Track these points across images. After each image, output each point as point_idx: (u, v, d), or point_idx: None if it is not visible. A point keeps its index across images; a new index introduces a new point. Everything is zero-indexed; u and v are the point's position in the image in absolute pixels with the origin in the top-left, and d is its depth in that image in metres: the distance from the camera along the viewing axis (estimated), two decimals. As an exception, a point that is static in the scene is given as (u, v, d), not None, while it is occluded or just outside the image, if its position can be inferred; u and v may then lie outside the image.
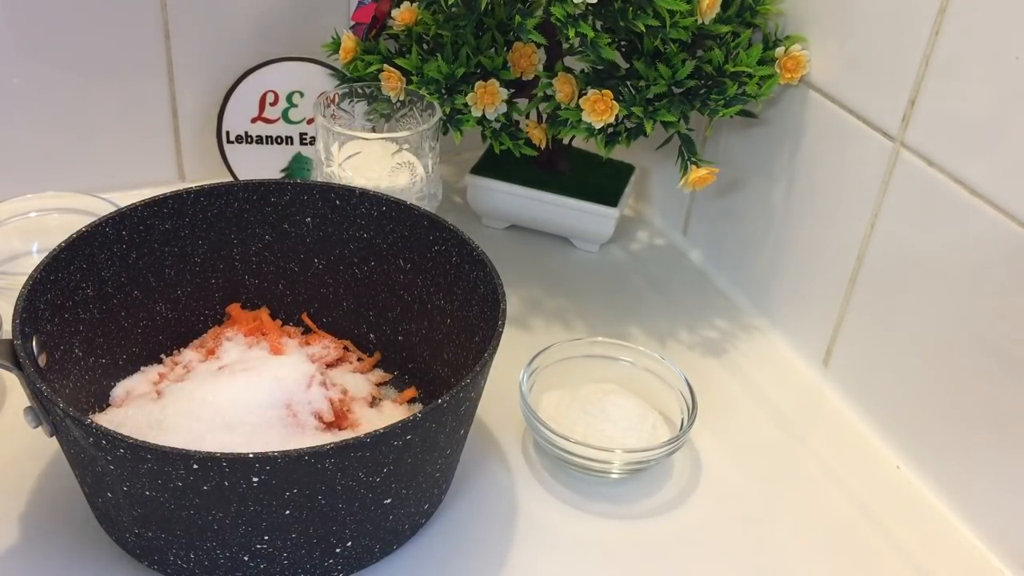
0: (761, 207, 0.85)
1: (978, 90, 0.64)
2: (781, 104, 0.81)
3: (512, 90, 0.81)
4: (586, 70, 0.79)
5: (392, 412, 0.69)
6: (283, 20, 0.92)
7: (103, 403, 0.68)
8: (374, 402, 0.71)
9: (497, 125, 0.82)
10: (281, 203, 0.72)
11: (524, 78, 0.82)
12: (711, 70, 0.77)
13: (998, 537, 0.66)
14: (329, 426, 0.65)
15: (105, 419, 0.63)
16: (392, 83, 0.80)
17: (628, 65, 0.78)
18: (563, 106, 0.79)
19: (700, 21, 0.74)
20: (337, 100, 0.81)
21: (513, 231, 0.96)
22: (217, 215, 0.71)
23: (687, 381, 0.71)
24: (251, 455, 0.50)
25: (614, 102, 0.76)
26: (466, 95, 0.80)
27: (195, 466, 0.50)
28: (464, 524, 0.65)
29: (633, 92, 0.76)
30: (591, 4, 0.70)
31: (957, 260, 0.67)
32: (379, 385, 0.73)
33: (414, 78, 0.80)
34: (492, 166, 0.93)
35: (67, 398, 0.63)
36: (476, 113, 0.80)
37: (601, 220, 0.91)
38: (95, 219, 0.66)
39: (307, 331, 0.76)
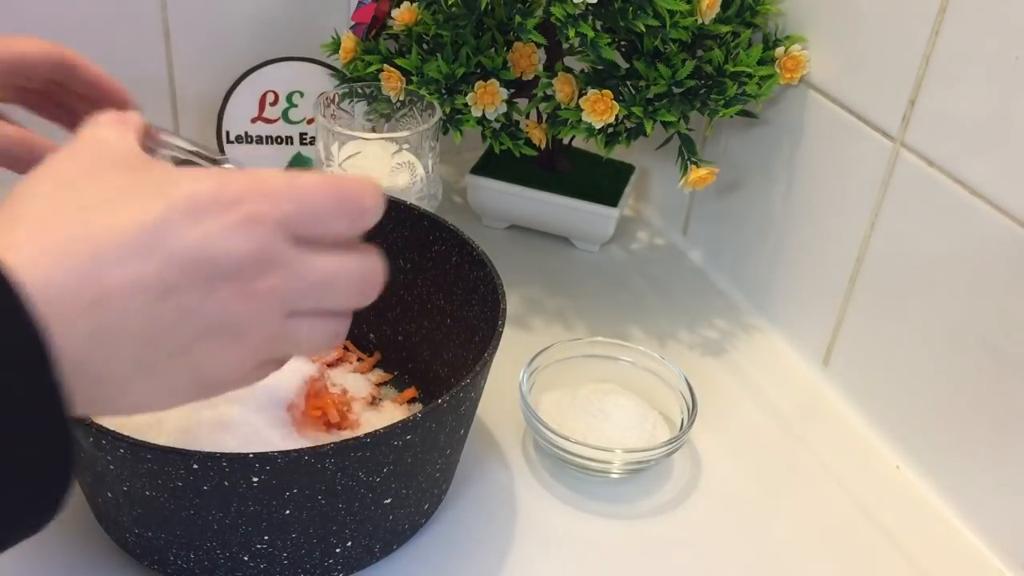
0: (761, 207, 0.85)
1: (978, 90, 0.64)
2: (781, 104, 0.81)
3: (512, 90, 0.81)
4: (586, 70, 0.79)
5: (392, 412, 0.69)
6: (283, 20, 0.92)
7: (103, 403, 0.68)
8: (374, 402, 0.71)
9: (497, 125, 0.82)
10: (281, 203, 0.72)
11: (524, 78, 0.82)
12: (711, 70, 0.77)
13: (998, 537, 0.66)
14: (329, 426, 0.65)
15: (105, 419, 0.63)
16: (392, 83, 0.80)
17: (628, 65, 0.78)
18: (563, 106, 0.79)
19: (700, 21, 0.74)
20: (337, 100, 0.81)
21: (513, 231, 0.96)
22: (217, 215, 0.71)
23: (687, 381, 0.71)
24: (251, 455, 0.50)
25: (614, 102, 0.76)
26: (466, 95, 0.80)
27: (195, 466, 0.50)
28: (464, 524, 0.65)
29: (633, 92, 0.76)
30: (591, 4, 0.70)
31: (957, 260, 0.67)
32: (379, 385, 0.73)
33: (414, 78, 0.80)
34: (492, 166, 0.93)
35: (67, 398, 0.63)
36: (476, 113, 0.80)
37: (601, 220, 0.91)
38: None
39: (307, 331, 0.76)
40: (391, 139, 0.77)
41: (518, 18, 0.73)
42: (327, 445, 0.51)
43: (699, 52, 0.79)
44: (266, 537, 0.54)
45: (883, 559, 0.66)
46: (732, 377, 0.81)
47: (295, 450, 0.50)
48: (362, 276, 0.40)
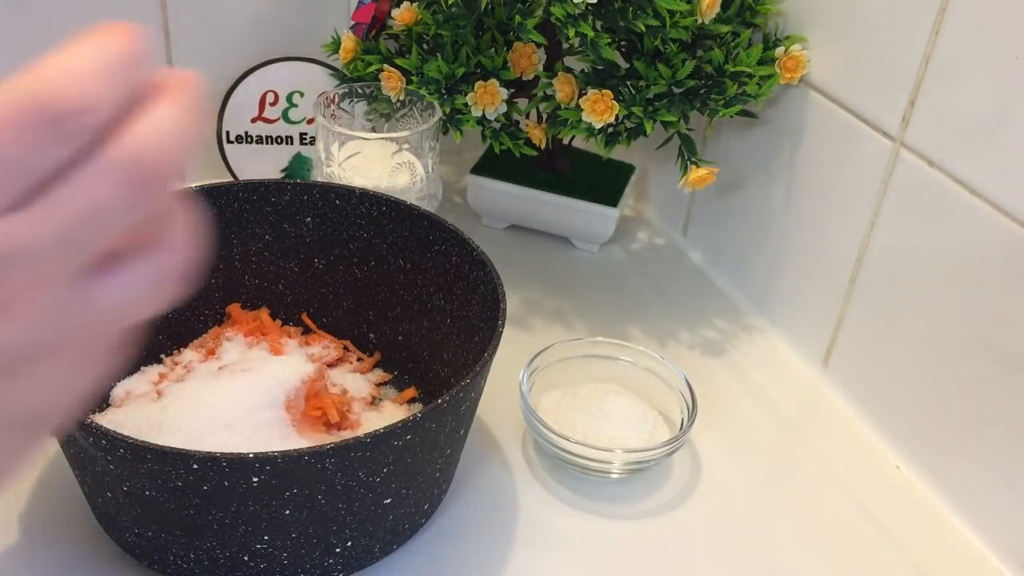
0: (761, 207, 0.85)
1: (978, 90, 0.64)
2: (781, 104, 0.81)
3: (512, 90, 0.81)
4: (586, 70, 0.79)
5: (392, 412, 0.69)
6: (283, 20, 0.92)
7: (103, 403, 0.68)
8: (374, 402, 0.71)
9: (497, 125, 0.82)
10: (281, 203, 0.72)
11: (524, 78, 0.82)
12: (711, 70, 0.77)
13: (998, 537, 0.66)
14: (329, 426, 0.65)
15: (105, 419, 0.63)
16: (392, 83, 0.80)
17: (628, 65, 0.78)
18: (563, 106, 0.79)
19: (700, 21, 0.74)
20: (337, 100, 0.81)
21: (513, 231, 0.96)
22: (217, 215, 0.71)
23: (687, 381, 0.71)
24: (251, 455, 0.50)
25: (614, 102, 0.76)
26: (466, 95, 0.80)
27: (195, 466, 0.50)
28: (464, 524, 0.65)
29: (633, 92, 0.76)
30: (591, 4, 0.70)
31: (957, 260, 0.67)
32: (379, 385, 0.73)
33: (414, 78, 0.80)
34: (492, 166, 0.93)
35: (67, 398, 0.63)
36: (476, 113, 0.80)
37: (601, 220, 0.91)
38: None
39: (307, 331, 0.76)
40: (391, 139, 0.77)
41: (518, 18, 0.73)
42: (327, 445, 0.51)
43: (699, 52, 0.79)
44: (266, 537, 0.54)
45: (883, 559, 0.66)
46: (732, 377, 0.80)
47: (295, 450, 0.50)
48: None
